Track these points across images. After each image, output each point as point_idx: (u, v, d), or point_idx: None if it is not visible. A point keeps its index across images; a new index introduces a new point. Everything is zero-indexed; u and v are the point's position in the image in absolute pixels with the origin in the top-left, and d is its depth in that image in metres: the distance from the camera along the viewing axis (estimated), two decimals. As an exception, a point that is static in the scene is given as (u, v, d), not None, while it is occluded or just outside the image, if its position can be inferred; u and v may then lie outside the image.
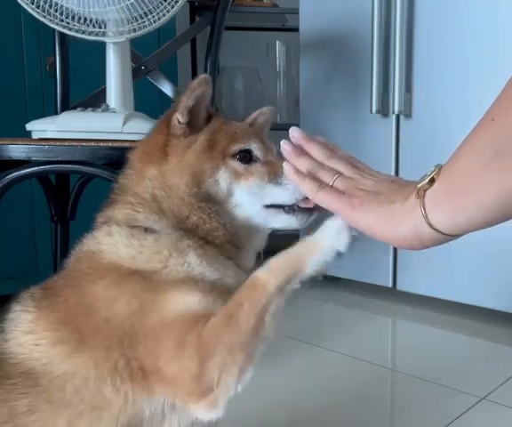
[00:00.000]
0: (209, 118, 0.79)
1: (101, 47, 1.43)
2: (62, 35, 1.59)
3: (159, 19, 1.37)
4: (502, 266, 1.79)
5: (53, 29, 1.59)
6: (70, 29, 1.33)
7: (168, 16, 1.37)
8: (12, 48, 1.80)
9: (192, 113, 0.76)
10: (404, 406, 1.38)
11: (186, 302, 0.68)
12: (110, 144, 1.32)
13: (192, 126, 0.76)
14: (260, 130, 0.87)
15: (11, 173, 1.31)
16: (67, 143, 1.31)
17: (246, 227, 0.77)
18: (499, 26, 1.73)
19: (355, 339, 1.76)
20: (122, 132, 1.35)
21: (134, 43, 1.46)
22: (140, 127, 1.36)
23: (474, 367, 1.54)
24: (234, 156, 0.75)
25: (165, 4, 1.35)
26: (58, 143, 1.31)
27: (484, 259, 1.82)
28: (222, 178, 0.74)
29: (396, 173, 1.96)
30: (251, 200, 0.75)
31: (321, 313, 2.03)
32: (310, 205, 0.75)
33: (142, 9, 1.34)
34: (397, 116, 1.96)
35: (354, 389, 1.42)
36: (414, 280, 2.01)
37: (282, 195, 0.75)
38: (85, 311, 0.69)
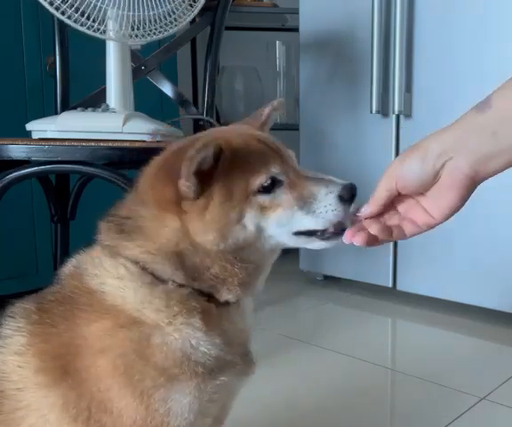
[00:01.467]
0: (217, 153, 0.71)
1: (101, 47, 1.43)
2: (62, 35, 1.60)
3: (165, 31, 1.38)
4: (502, 266, 1.79)
5: (53, 30, 1.60)
6: (70, 18, 1.32)
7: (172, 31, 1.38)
8: (11, 48, 1.80)
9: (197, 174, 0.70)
10: (404, 406, 1.38)
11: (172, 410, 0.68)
12: (110, 144, 1.32)
13: (199, 174, 0.70)
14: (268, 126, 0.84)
15: (11, 173, 1.31)
16: (67, 143, 1.31)
17: (274, 254, 0.75)
18: (499, 26, 1.73)
19: (355, 339, 1.76)
20: (122, 132, 1.35)
21: (134, 43, 1.46)
22: (140, 127, 1.36)
23: (474, 367, 1.54)
24: (257, 192, 0.70)
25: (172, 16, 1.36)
26: (58, 143, 1.31)
27: (485, 259, 1.82)
28: (249, 220, 0.70)
29: (396, 173, 1.96)
30: (281, 231, 0.72)
31: (321, 313, 2.03)
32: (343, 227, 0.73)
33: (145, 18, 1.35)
34: (397, 116, 1.96)
35: (354, 389, 1.42)
36: (414, 280, 2.01)
37: (314, 223, 0.72)
38: (74, 352, 0.68)
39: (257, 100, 2.65)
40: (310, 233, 0.73)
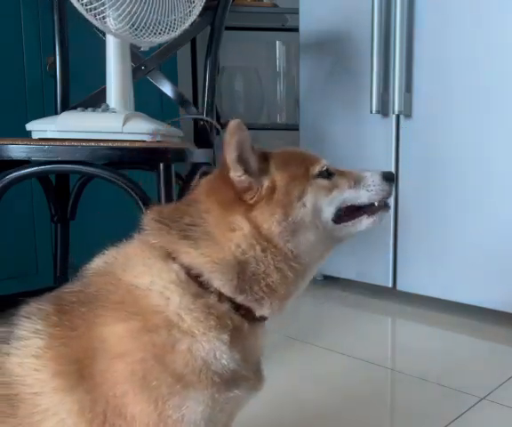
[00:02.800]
0: (262, 158, 0.80)
1: (101, 47, 1.43)
2: (62, 35, 1.60)
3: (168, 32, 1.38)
4: (502, 266, 1.79)
5: (53, 29, 1.59)
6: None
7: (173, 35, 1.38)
8: (11, 48, 1.80)
9: (242, 161, 0.77)
10: (404, 406, 1.38)
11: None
12: (110, 144, 1.31)
13: (250, 172, 0.77)
14: None
15: (11, 173, 1.31)
16: (67, 143, 1.31)
17: (327, 245, 0.82)
18: (498, 26, 1.73)
19: (355, 339, 1.76)
20: (122, 132, 1.35)
21: (134, 43, 1.46)
22: (140, 127, 1.36)
23: (474, 367, 1.54)
24: (317, 176, 0.81)
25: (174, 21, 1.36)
26: (58, 143, 1.31)
27: (485, 259, 1.82)
28: (309, 200, 0.79)
29: (396, 172, 1.96)
30: (338, 207, 0.82)
31: (321, 313, 2.03)
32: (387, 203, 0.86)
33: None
34: (397, 116, 1.96)
35: (354, 389, 1.42)
36: (414, 280, 2.01)
37: (367, 196, 0.84)
38: (92, 356, 0.69)
39: (257, 101, 2.65)
40: (358, 214, 0.83)
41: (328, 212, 0.80)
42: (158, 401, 0.68)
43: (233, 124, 0.75)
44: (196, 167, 1.54)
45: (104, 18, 1.31)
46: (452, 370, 1.52)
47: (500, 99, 1.73)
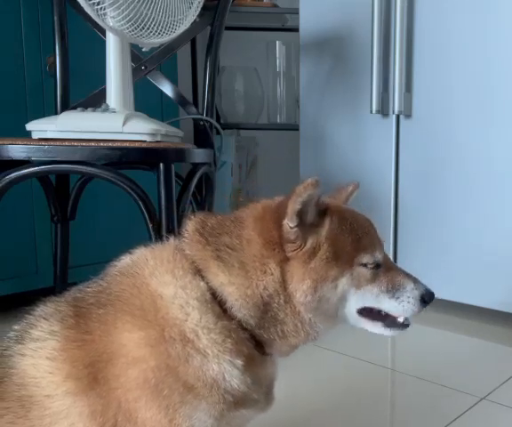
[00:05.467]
0: (322, 212, 0.77)
1: (101, 47, 1.43)
2: (62, 35, 1.60)
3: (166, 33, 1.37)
4: (502, 266, 1.79)
5: (53, 29, 1.59)
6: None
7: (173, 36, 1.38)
8: (11, 48, 1.80)
9: (301, 214, 0.75)
10: (404, 406, 1.38)
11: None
12: (110, 144, 1.31)
13: (303, 224, 0.75)
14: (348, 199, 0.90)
15: (11, 173, 1.31)
16: (67, 143, 1.31)
17: (334, 327, 0.81)
18: (498, 26, 1.73)
19: (355, 339, 1.75)
20: (122, 132, 1.34)
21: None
22: (140, 127, 1.36)
23: (474, 367, 1.54)
24: (360, 264, 0.77)
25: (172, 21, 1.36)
26: (58, 143, 1.31)
27: (485, 259, 1.82)
28: (343, 283, 0.76)
29: (396, 172, 1.96)
30: (361, 305, 0.79)
31: (321, 313, 2.02)
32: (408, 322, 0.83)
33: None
34: (397, 116, 1.96)
35: (354, 389, 1.42)
36: (414, 280, 2.00)
37: (394, 308, 0.80)
38: (106, 360, 0.69)
39: (257, 101, 2.65)
40: (378, 317, 0.80)
41: (355, 305, 0.78)
42: (169, 409, 0.68)
43: (311, 181, 0.72)
44: (196, 167, 1.54)
45: (105, 15, 1.31)
46: (452, 370, 1.52)
47: (500, 99, 1.73)
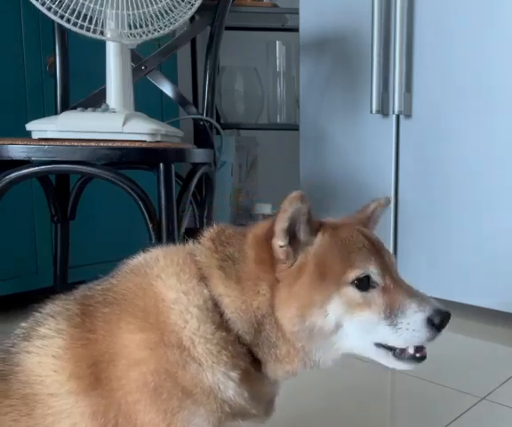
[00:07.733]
0: (315, 230, 0.73)
1: (101, 47, 1.43)
2: (62, 35, 1.60)
3: (160, 29, 1.38)
4: (502, 266, 1.79)
5: (53, 29, 1.59)
6: (68, 21, 1.31)
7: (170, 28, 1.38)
8: (12, 48, 1.80)
9: (291, 232, 0.71)
10: (404, 407, 1.38)
11: None
12: (110, 144, 1.32)
13: (294, 242, 0.71)
14: (374, 221, 0.83)
15: (11, 173, 1.31)
16: (67, 143, 1.31)
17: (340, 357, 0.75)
18: (498, 26, 1.73)
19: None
20: (122, 132, 1.35)
21: (134, 43, 1.46)
22: (140, 127, 1.36)
23: (474, 367, 1.54)
24: (350, 283, 0.69)
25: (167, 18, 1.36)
26: (58, 143, 1.32)
27: (485, 259, 1.82)
28: (333, 309, 0.69)
29: (396, 172, 1.96)
30: (361, 336, 0.71)
31: (321, 313, 2.02)
32: (423, 354, 0.73)
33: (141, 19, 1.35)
34: (397, 116, 1.96)
35: (354, 389, 1.42)
36: (414, 280, 2.00)
37: (393, 338, 0.70)
38: (108, 360, 0.68)
39: (257, 100, 2.65)
40: (389, 348, 0.72)
41: (356, 334, 0.71)
42: (168, 413, 0.68)
43: (294, 195, 0.68)
44: (195, 167, 1.54)
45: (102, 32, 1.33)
46: (452, 370, 1.52)
47: (500, 99, 1.72)
